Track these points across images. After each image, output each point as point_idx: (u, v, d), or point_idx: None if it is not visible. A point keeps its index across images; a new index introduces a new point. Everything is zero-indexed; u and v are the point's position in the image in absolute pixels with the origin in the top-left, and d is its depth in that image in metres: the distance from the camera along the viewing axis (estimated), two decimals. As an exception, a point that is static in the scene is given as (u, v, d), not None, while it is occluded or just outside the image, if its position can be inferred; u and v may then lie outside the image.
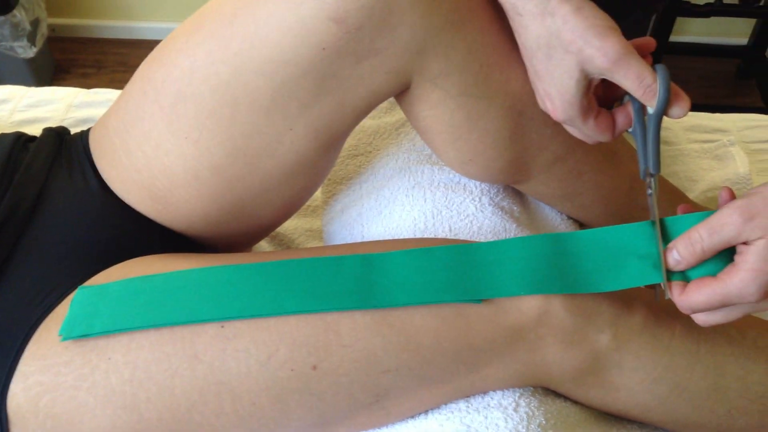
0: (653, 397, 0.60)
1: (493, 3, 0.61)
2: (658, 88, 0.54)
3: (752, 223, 0.50)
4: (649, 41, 0.58)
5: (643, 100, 0.56)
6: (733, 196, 0.56)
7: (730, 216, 0.51)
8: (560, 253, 0.58)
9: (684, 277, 0.55)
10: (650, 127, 0.57)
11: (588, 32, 0.53)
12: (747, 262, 0.50)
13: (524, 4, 0.55)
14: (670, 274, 0.55)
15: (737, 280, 0.51)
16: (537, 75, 0.59)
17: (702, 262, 0.54)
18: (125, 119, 0.65)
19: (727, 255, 0.53)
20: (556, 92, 0.57)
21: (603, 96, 0.61)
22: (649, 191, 0.59)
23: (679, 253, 0.54)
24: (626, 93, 0.59)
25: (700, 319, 0.55)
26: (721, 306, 0.53)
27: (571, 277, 0.57)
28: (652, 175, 0.58)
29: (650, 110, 0.56)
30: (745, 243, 0.51)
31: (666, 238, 0.56)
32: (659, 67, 0.55)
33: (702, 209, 0.80)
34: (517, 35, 0.59)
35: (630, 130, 0.60)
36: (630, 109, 0.59)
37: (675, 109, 0.56)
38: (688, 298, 0.53)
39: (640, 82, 0.54)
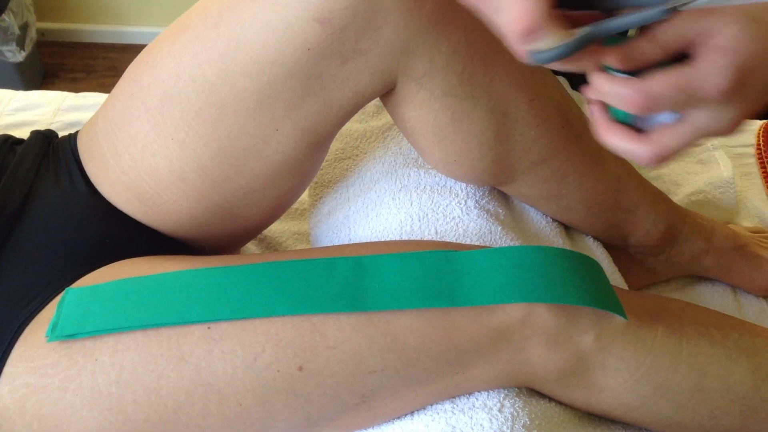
0: (636, 397, 0.61)
1: None
2: None
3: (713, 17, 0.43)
4: None
5: None
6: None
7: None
8: (548, 265, 0.59)
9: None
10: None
11: None
12: (720, 41, 0.43)
13: None
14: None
15: (706, 63, 0.43)
16: None
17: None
18: (113, 121, 0.65)
19: None
20: None
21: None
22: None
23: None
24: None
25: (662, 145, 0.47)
26: (680, 99, 0.44)
27: (557, 289, 0.58)
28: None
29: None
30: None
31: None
32: None
33: (686, 211, 0.81)
34: None
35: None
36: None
37: None
38: (646, 84, 0.44)
39: None
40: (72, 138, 0.72)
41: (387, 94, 0.64)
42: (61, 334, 0.56)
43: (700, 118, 0.45)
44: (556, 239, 0.76)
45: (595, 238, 0.81)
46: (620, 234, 0.79)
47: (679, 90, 0.43)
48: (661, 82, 0.43)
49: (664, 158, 0.47)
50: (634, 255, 0.85)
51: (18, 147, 0.72)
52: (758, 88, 0.44)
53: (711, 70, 0.43)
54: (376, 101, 0.89)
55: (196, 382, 0.55)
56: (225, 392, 0.56)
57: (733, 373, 0.62)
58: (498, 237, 0.71)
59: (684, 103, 0.44)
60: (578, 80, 1.09)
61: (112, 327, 0.56)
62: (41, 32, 2.31)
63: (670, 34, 0.44)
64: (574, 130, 0.70)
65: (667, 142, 0.46)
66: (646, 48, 0.44)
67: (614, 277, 0.78)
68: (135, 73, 0.65)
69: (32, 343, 0.57)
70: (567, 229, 0.80)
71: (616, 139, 0.48)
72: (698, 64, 0.43)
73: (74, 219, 0.66)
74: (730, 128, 0.46)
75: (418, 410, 0.61)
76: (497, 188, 0.75)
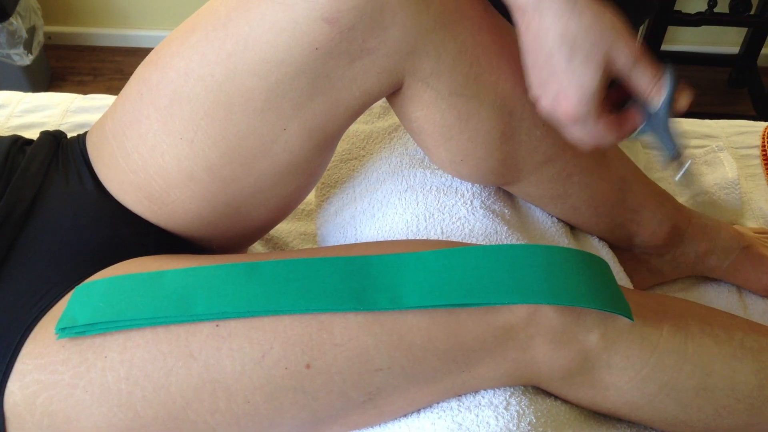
0: (642, 396, 0.61)
1: (482, 4, 0.62)
2: (667, 85, 0.59)
3: None
4: None
5: (652, 95, 0.59)
6: None
7: None
8: (553, 265, 0.59)
9: None
10: (660, 121, 0.61)
11: (614, 31, 0.57)
12: None
13: (551, 3, 0.57)
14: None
15: None
16: (554, 74, 0.59)
17: None
18: (122, 121, 0.66)
19: None
20: (575, 89, 0.58)
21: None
22: (682, 170, 0.65)
23: None
24: (629, 99, 0.63)
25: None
26: None
27: (561, 290, 0.58)
28: (676, 159, 0.64)
29: (654, 108, 0.61)
30: None
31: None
32: (668, 66, 0.59)
33: (691, 212, 0.81)
34: (532, 36, 0.59)
35: (634, 135, 0.64)
36: (633, 112, 0.63)
37: (679, 103, 0.60)
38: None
39: (654, 79, 0.59)
40: (81, 138, 0.73)
41: (394, 93, 0.65)
42: (71, 330, 0.56)
43: None
44: (562, 239, 0.77)
45: (601, 238, 0.81)
46: (625, 234, 0.79)
47: None
48: None
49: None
50: (639, 255, 0.85)
51: (27, 148, 0.72)
52: None
53: None
54: (382, 102, 0.89)
55: (205, 379, 0.56)
56: (233, 389, 0.56)
57: (738, 372, 0.62)
58: (504, 237, 0.71)
59: None
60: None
61: (121, 322, 0.56)
62: (48, 36, 2.32)
63: None
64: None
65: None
66: None
67: (620, 277, 0.79)
68: (144, 73, 0.65)
69: (42, 341, 0.58)
70: (572, 229, 0.80)
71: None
72: None
73: (83, 218, 0.67)
74: None
75: (424, 408, 0.61)
76: (503, 188, 0.76)
